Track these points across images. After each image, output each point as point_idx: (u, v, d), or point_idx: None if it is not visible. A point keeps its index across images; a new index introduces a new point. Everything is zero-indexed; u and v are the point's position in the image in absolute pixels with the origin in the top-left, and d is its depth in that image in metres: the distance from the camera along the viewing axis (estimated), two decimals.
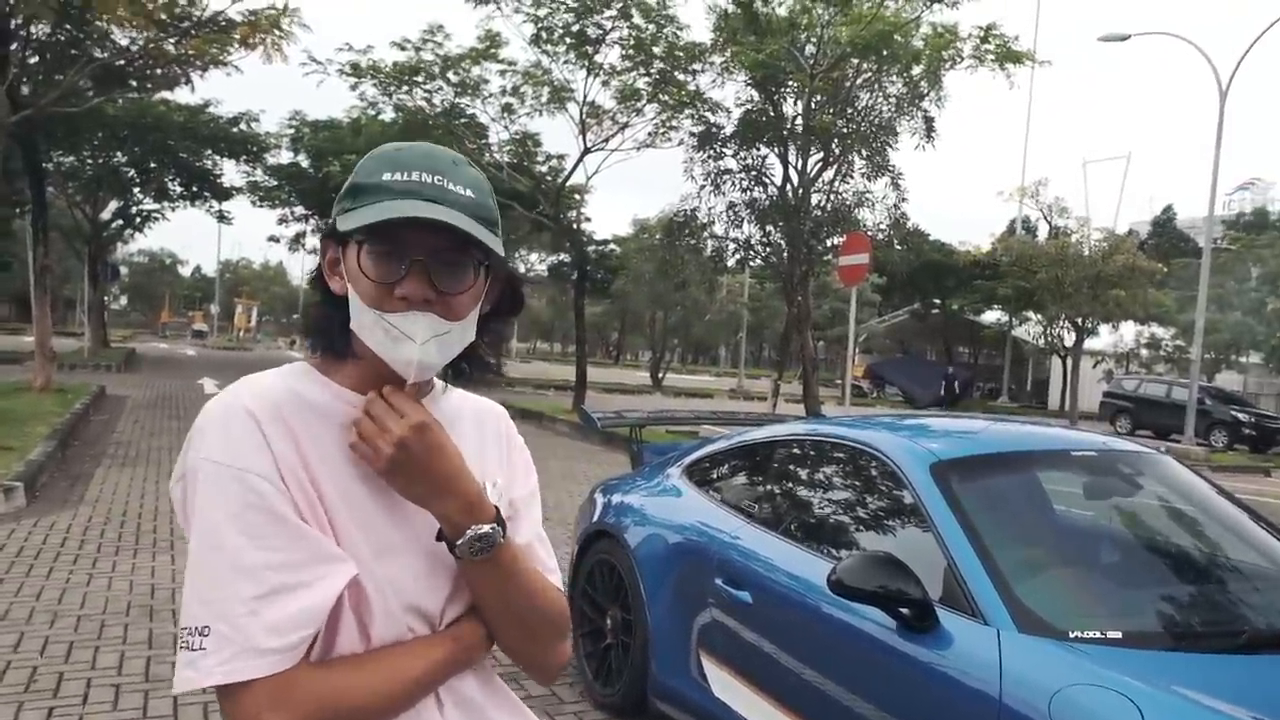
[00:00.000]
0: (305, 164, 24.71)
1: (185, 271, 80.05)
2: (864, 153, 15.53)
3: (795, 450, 3.54)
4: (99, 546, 5.73)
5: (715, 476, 3.74)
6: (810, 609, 2.69)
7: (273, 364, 1.13)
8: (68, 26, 12.88)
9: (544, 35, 15.16)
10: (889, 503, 2.88)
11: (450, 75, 16.30)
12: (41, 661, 3.84)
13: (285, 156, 25.35)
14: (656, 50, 15.03)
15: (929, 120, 15.45)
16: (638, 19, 14.78)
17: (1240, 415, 22.83)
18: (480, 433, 1.20)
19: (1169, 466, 3.12)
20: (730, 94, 29.94)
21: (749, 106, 15.79)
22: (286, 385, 1.05)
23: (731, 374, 42.22)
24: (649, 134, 16.57)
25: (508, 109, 16.83)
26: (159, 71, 14.33)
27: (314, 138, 23.41)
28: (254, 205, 28.13)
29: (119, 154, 23.94)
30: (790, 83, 14.92)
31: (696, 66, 15.41)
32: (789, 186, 15.68)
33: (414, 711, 1.03)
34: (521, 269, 32.69)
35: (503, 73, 16.24)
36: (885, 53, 13.97)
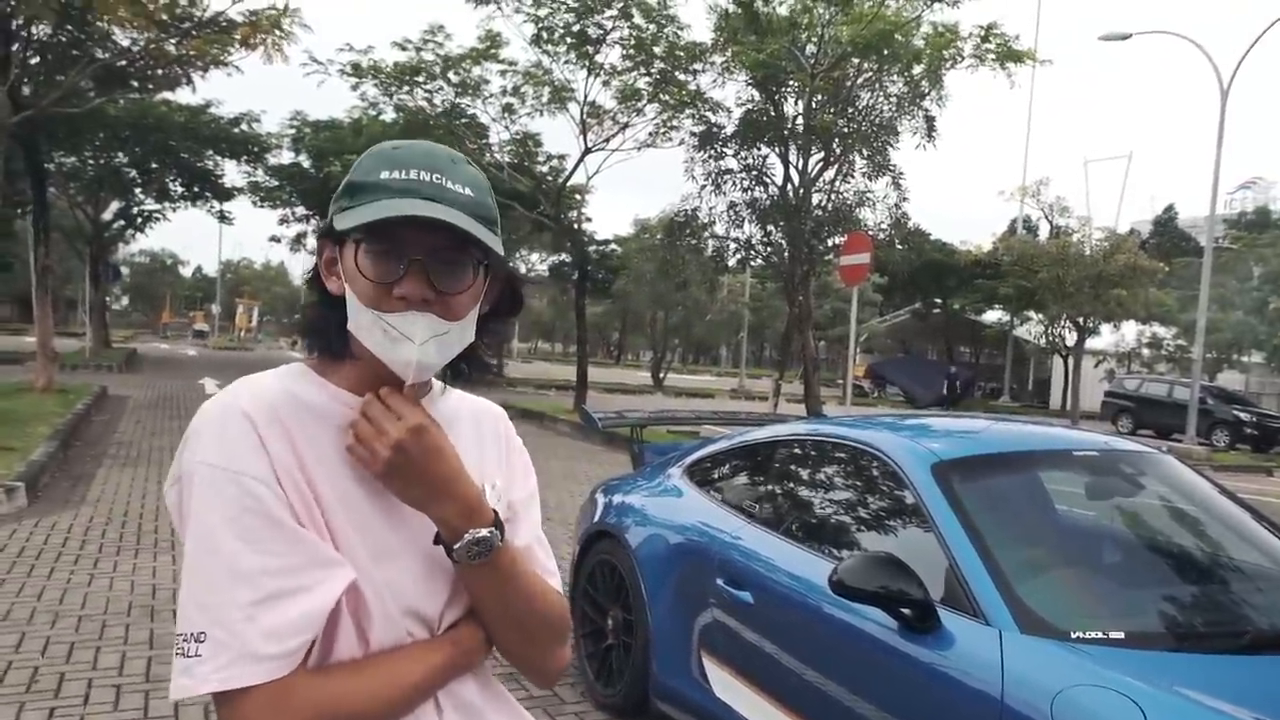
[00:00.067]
0: (306, 164, 24.71)
1: (186, 272, 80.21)
2: (865, 152, 15.52)
3: (796, 450, 3.54)
4: (100, 547, 5.74)
5: (716, 477, 3.74)
6: (811, 609, 2.69)
7: (274, 364, 1.12)
8: (69, 27, 12.88)
9: (544, 35, 15.16)
10: (890, 503, 2.88)
11: (451, 75, 16.30)
12: (43, 662, 3.84)
13: (286, 157, 25.38)
14: (657, 50, 15.02)
15: (930, 119, 15.44)
16: (638, 19, 14.78)
17: (1242, 415, 22.81)
18: (479, 434, 1.18)
19: (1171, 466, 3.11)
20: (731, 94, 29.92)
21: (750, 106, 15.78)
22: (283, 386, 1.04)
23: (733, 374, 42.21)
24: (650, 134, 16.58)
25: (508, 109, 16.83)
26: (160, 72, 14.33)
27: (315, 138, 23.41)
28: (255, 205, 28.14)
29: (120, 154, 23.96)
30: (791, 82, 14.91)
31: (697, 66, 15.41)
32: (790, 186, 15.67)
33: (413, 716, 1.02)
34: (522, 269, 32.66)
35: (503, 73, 16.25)
36: (886, 52, 13.97)
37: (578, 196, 22.40)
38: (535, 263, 34.64)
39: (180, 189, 27.08)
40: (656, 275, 24.75)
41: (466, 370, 1.13)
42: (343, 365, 1.06)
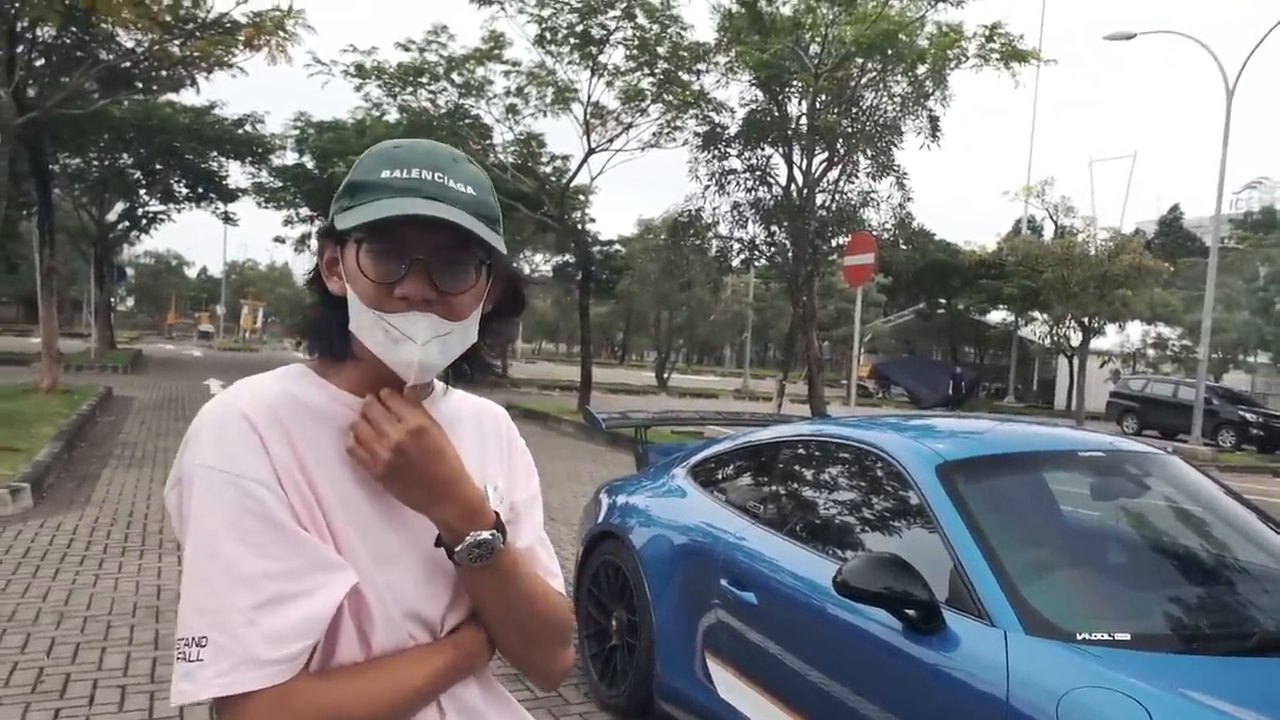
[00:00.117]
0: (310, 165, 24.76)
1: (191, 273, 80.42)
2: (869, 152, 15.50)
3: (800, 451, 3.53)
4: (105, 547, 5.75)
5: (720, 477, 3.73)
6: (815, 610, 2.68)
7: (279, 365, 1.12)
8: (73, 29, 12.92)
9: (548, 36, 15.17)
10: (895, 503, 2.87)
11: (454, 76, 16.33)
12: (48, 662, 3.85)
13: (290, 158, 25.42)
14: (661, 50, 15.03)
15: (934, 119, 15.42)
16: (641, 19, 14.78)
17: (1248, 415, 22.74)
18: (480, 435, 1.17)
19: (1176, 467, 3.10)
20: (734, 94, 29.89)
21: (753, 106, 15.78)
22: (283, 388, 1.03)
23: (736, 374, 42.19)
24: (653, 134, 16.59)
25: (512, 110, 16.85)
26: (164, 73, 14.37)
27: (319, 139, 23.44)
28: (259, 206, 28.20)
29: (125, 156, 24.00)
30: (795, 82, 14.91)
31: (701, 66, 15.41)
32: (794, 186, 15.66)
33: None
34: (526, 270, 32.68)
35: (507, 73, 16.27)
36: (890, 52, 13.95)
37: (581, 197, 22.41)
38: (539, 263, 34.65)
39: (185, 190, 27.13)
40: (660, 276, 24.75)
41: (468, 371, 1.12)
42: (344, 366, 1.06)
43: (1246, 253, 31.52)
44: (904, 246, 17.27)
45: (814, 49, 14.78)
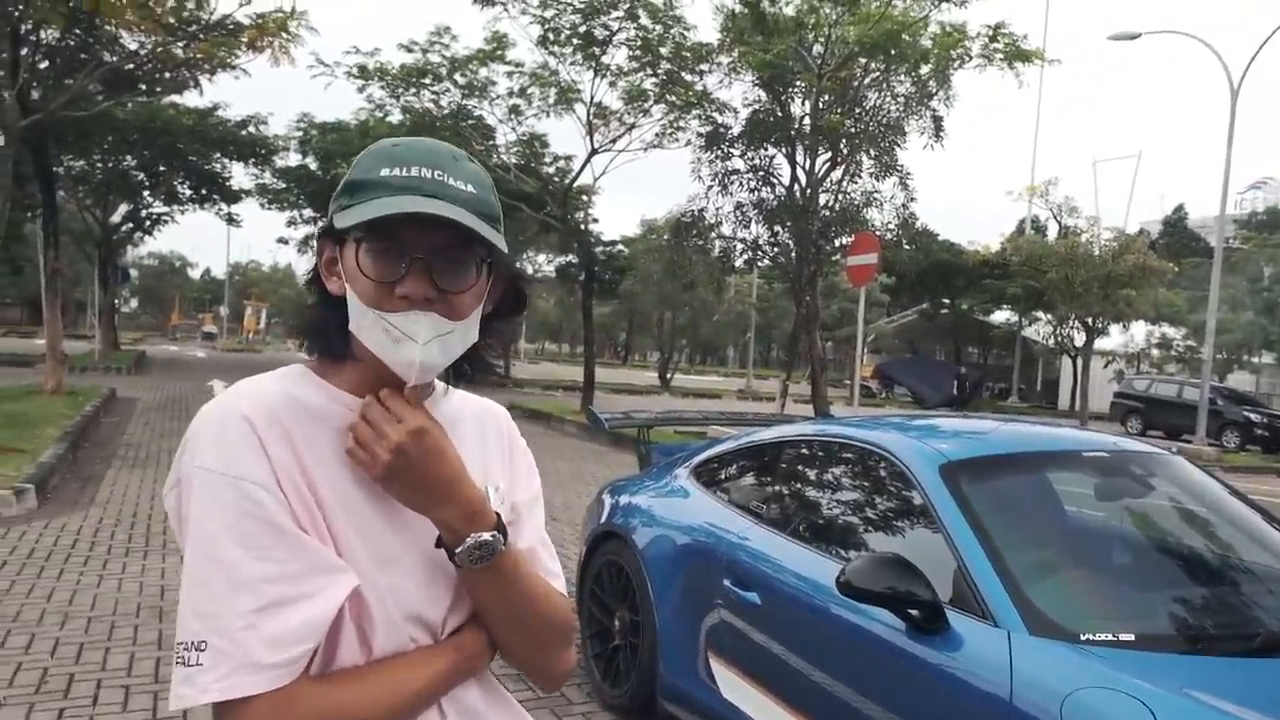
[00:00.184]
0: (313, 166, 24.79)
1: (195, 274, 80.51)
2: (872, 152, 15.48)
3: (804, 451, 3.53)
4: (109, 548, 5.76)
5: (723, 477, 3.73)
6: (819, 610, 2.68)
7: (282, 365, 1.12)
8: (77, 31, 12.95)
9: (551, 36, 15.18)
10: (898, 504, 2.86)
11: (457, 77, 16.34)
12: (52, 663, 3.85)
13: (293, 159, 25.44)
14: (663, 51, 15.03)
15: (937, 119, 15.41)
16: (645, 20, 14.79)
17: (1252, 416, 22.67)
18: (482, 435, 1.17)
19: (1181, 467, 3.09)
20: (737, 94, 29.88)
21: (756, 106, 15.77)
22: (282, 389, 1.02)
23: (740, 374, 42.16)
24: (656, 134, 16.58)
25: (515, 110, 16.86)
26: (167, 75, 14.40)
27: (322, 140, 23.48)
28: (263, 208, 28.25)
29: (129, 157, 24.04)
30: (798, 82, 14.90)
31: (704, 67, 15.41)
32: (797, 186, 15.65)
33: None
34: (529, 270, 32.69)
35: (510, 74, 16.28)
36: (893, 52, 13.94)
37: (584, 197, 22.43)
38: (542, 264, 34.65)
39: (188, 192, 27.16)
40: (663, 276, 24.75)
41: (469, 371, 1.11)
42: (344, 366, 1.05)
43: (1251, 253, 31.44)
44: (907, 246, 17.26)
45: (817, 49, 14.77)
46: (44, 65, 13.68)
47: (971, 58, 14.36)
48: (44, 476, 7.29)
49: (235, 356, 35.03)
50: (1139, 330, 31.43)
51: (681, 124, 16.27)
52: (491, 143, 18.02)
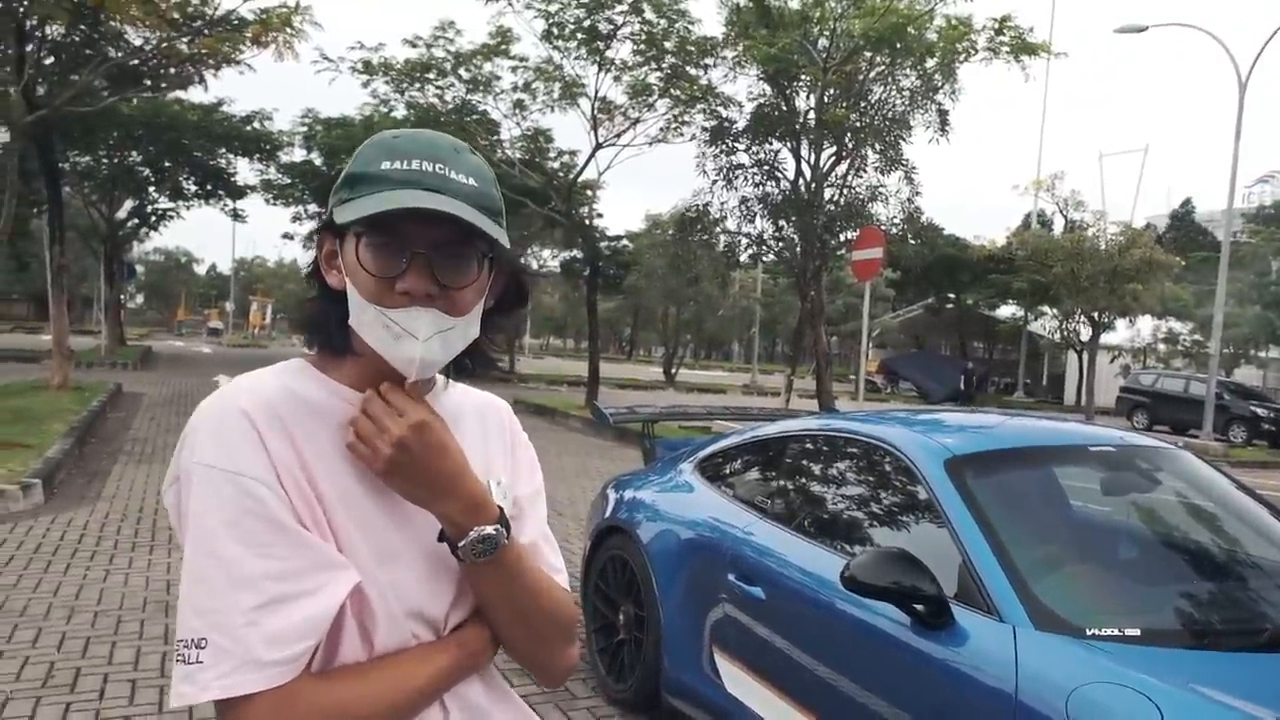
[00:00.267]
0: (318, 162, 24.80)
1: (200, 270, 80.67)
2: (877, 146, 15.42)
3: (808, 446, 3.52)
4: (115, 543, 5.78)
5: (728, 472, 3.73)
6: (823, 605, 2.68)
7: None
8: (82, 27, 12.95)
9: (555, 31, 15.13)
10: (903, 498, 2.85)
11: (462, 72, 16.31)
12: (59, 657, 3.87)
13: (298, 154, 25.43)
14: (668, 45, 14.98)
15: (943, 113, 15.34)
16: (649, 14, 14.73)
17: (1259, 410, 22.61)
18: (484, 429, 1.16)
19: (1188, 461, 3.08)
20: (742, 88, 29.91)
21: (761, 101, 15.71)
22: (282, 383, 1.01)
23: (745, 369, 42.11)
24: (661, 129, 16.52)
25: (519, 105, 16.83)
26: (172, 70, 14.39)
27: (327, 135, 23.47)
28: (268, 203, 28.26)
29: (134, 153, 24.08)
30: (803, 76, 14.84)
31: (708, 61, 15.35)
32: (802, 181, 15.61)
33: (419, 719, 1.01)
34: (534, 265, 32.66)
35: (514, 69, 16.24)
36: (899, 45, 13.87)
37: (589, 192, 22.38)
38: (547, 259, 34.64)
39: (193, 187, 27.19)
40: (668, 271, 24.71)
41: (470, 366, 1.10)
42: (344, 361, 1.04)
43: (1259, 247, 31.24)
44: (913, 241, 17.20)
45: (822, 43, 14.72)
46: (49, 61, 13.69)
47: (977, 51, 14.28)
48: (50, 472, 7.32)
49: (241, 352, 35.10)
50: (1145, 325, 31.34)
51: (686, 118, 16.23)
52: (496, 138, 18.00)
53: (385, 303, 0.97)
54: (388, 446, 0.97)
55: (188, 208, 28.36)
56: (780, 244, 16.80)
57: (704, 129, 16.19)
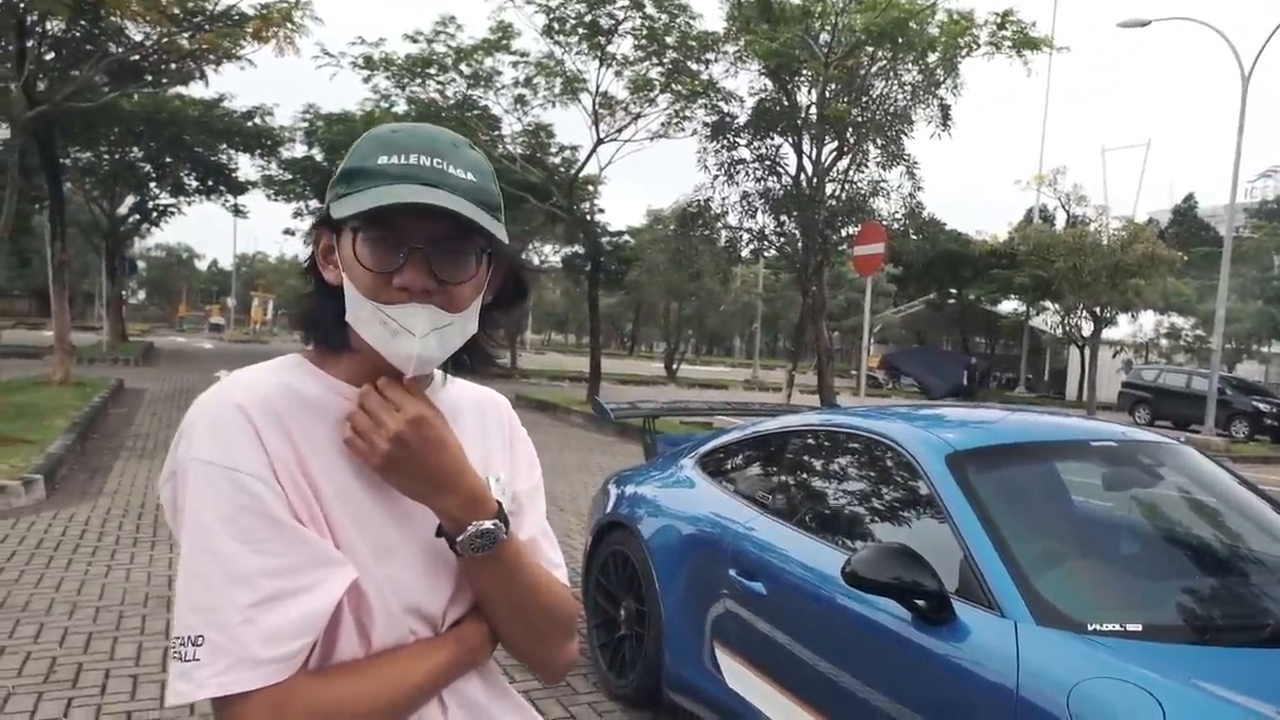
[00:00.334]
0: (319, 157, 24.79)
1: (202, 265, 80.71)
2: (879, 141, 15.40)
3: (810, 441, 3.52)
4: (117, 538, 5.78)
5: (729, 467, 3.72)
6: (824, 600, 2.67)
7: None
8: (82, 22, 12.94)
9: (556, 26, 15.11)
10: (904, 494, 2.85)
11: (463, 67, 16.29)
12: (61, 652, 3.87)
13: (299, 150, 25.42)
14: (669, 40, 14.95)
15: (945, 108, 15.30)
16: (650, 9, 14.70)
17: (1261, 406, 22.58)
18: (483, 424, 1.15)
19: (1190, 457, 3.07)
20: (744, 83, 29.81)
21: (763, 96, 15.69)
22: (279, 379, 1.01)
23: (746, 365, 42.11)
24: (662, 124, 16.50)
25: (520, 100, 16.81)
26: (173, 66, 14.38)
27: (328, 131, 23.46)
28: (269, 199, 28.25)
29: (135, 149, 24.07)
30: (804, 71, 14.81)
31: (710, 56, 15.32)
32: (803, 176, 15.59)
33: (417, 716, 1.00)
34: (535, 261, 32.65)
35: (515, 64, 16.21)
36: (900, 40, 13.84)
37: (590, 188, 22.37)
38: (548, 254, 34.62)
39: (194, 183, 27.20)
40: (669, 266, 24.71)
41: (469, 362, 1.10)
42: (341, 356, 1.03)
43: (1261, 241, 31.19)
44: (914, 236, 17.17)
45: (824, 37, 14.68)
46: (50, 56, 13.67)
47: (979, 45, 14.24)
48: (52, 467, 7.33)
49: (242, 347, 35.12)
50: (1147, 320, 31.28)
51: (687, 113, 16.21)
52: (497, 133, 17.98)
53: (382, 298, 0.96)
54: (385, 442, 0.96)
55: (189, 203, 28.38)
56: (782, 239, 16.78)
57: (705, 124, 16.17)
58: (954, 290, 37.94)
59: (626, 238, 34.68)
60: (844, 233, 16.23)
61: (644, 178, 28.51)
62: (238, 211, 29.39)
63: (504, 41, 15.79)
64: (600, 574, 3.97)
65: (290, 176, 26.94)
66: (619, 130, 16.71)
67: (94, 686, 3.56)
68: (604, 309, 25.89)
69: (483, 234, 0.98)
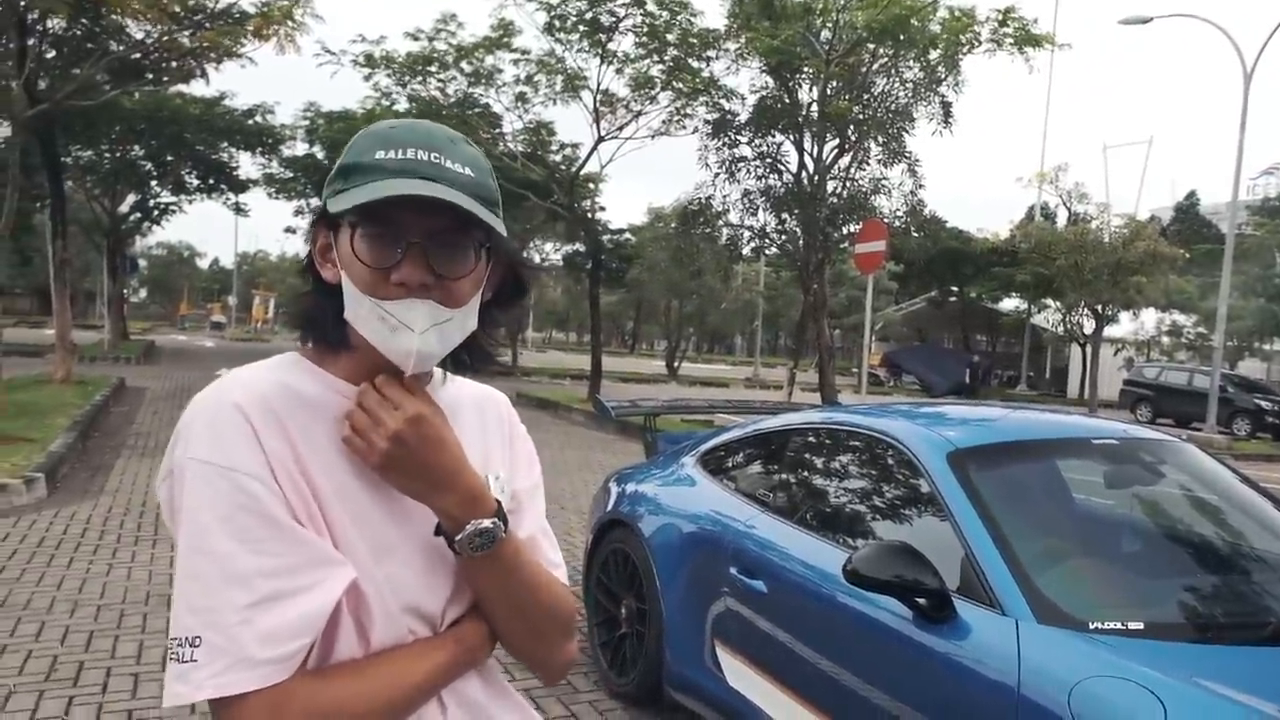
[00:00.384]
0: (320, 155, 24.79)
1: (203, 264, 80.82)
2: (880, 139, 15.39)
3: (811, 439, 3.51)
4: (119, 537, 5.79)
5: (730, 465, 3.72)
6: (825, 598, 2.67)
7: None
8: (83, 21, 12.94)
9: (557, 23, 15.10)
10: (905, 491, 2.85)
11: (464, 65, 16.28)
12: (62, 650, 3.88)
13: (300, 148, 25.43)
14: (670, 37, 14.94)
15: (946, 105, 15.29)
16: (651, 6, 14.70)
17: (1263, 403, 22.54)
18: (482, 422, 1.15)
19: (1191, 454, 3.07)
20: (745, 80, 29.82)
21: (764, 93, 15.68)
22: (276, 378, 1.00)
23: (747, 363, 42.11)
24: (663, 122, 16.50)
25: (521, 98, 16.80)
26: (174, 64, 14.38)
27: (329, 129, 23.45)
28: (270, 197, 28.30)
29: (136, 147, 24.09)
30: (805, 68, 14.80)
31: (710, 53, 15.32)
32: (804, 174, 15.57)
33: (416, 716, 1.00)
34: (536, 259, 32.64)
35: (516, 62, 16.21)
36: (902, 37, 13.82)
37: (591, 185, 22.37)
38: (549, 252, 34.62)
39: (196, 181, 27.23)
40: (671, 264, 24.69)
41: (468, 360, 1.09)
42: (340, 354, 1.02)
43: (1264, 239, 31.16)
44: (916, 234, 17.16)
45: (825, 34, 14.67)
46: (50, 55, 13.68)
47: (981, 43, 14.23)
48: (54, 465, 7.33)
49: (244, 345, 35.14)
50: (1149, 317, 31.26)
51: (688, 111, 16.20)
52: (498, 131, 17.98)
53: (381, 294, 0.95)
54: (383, 440, 0.96)
55: (190, 202, 28.43)
56: (783, 237, 16.78)
57: (706, 122, 16.16)
58: (955, 288, 37.92)
59: (628, 235, 34.69)
60: (845, 230, 16.22)
61: (645, 175, 28.50)
62: (239, 210, 29.41)
63: (505, 39, 15.79)
64: (601, 572, 3.97)
65: (291, 175, 26.96)
66: (620, 128, 16.71)
67: (95, 685, 3.56)
68: (605, 307, 25.89)
69: (481, 228, 0.97)
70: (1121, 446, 3.04)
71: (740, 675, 3.03)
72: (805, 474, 3.39)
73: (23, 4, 11.55)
